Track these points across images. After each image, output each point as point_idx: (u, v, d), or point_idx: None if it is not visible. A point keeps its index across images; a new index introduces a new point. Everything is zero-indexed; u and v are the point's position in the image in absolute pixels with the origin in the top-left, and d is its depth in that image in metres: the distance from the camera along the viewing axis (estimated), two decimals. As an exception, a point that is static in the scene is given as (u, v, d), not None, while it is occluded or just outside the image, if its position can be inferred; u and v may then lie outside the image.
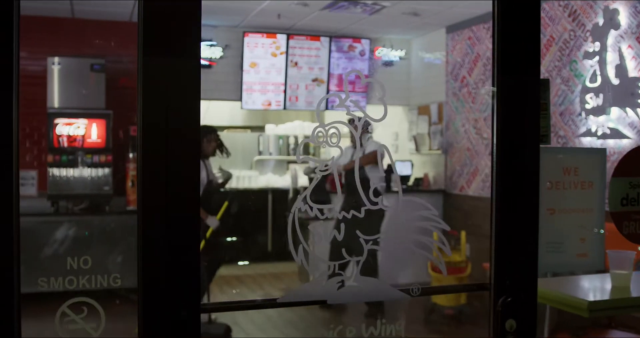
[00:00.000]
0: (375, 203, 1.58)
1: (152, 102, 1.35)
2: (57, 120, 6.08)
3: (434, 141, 7.56)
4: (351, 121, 1.57)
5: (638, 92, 4.91)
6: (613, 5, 5.10)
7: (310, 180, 6.61)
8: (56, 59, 6.20)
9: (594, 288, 2.17)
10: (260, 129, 8.84)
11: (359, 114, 1.53)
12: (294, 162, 8.49)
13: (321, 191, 1.63)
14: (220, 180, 5.32)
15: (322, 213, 1.52)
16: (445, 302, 5.38)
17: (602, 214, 1.87)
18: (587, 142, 5.37)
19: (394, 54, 7.91)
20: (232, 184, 6.59)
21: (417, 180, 7.65)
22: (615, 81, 5.08)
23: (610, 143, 5.12)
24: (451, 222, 7.02)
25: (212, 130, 5.14)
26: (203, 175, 4.92)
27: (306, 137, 8.81)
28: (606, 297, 2.08)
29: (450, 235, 5.52)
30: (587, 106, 5.34)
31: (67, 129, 6.12)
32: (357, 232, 1.56)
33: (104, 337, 1.40)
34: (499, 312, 1.64)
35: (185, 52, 1.38)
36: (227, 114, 8.49)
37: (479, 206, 6.75)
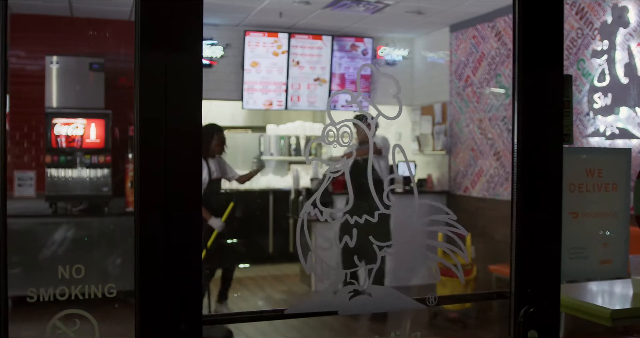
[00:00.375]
0: (389, 207, 1.48)
1: (150, 97, 1.26)
2: (55, 120, 6.00)
3: (438, 141, 7.46)
4: (361, 118, 1.47)
5: (648, 91, 4.82)
6: (622, 3, 5.01)
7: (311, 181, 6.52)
8: (54, 58, 6.12)
9: (615, 295, 2.07)
10: (261, 129, 8.75)
11: (373, 112, 1.43)
12: (296, 162, 8.39)
13: (324, 192, 1.53)
14: (254, 170, 5.47)
15: (333, 218, 1.42)
16: (450, 305, 5.28)
17: (626, 218, 1.77)
18: (595, 142, 5.27)
19: (397, 53, 7.81)
20: (233, 185, 6.51)
21: (420, 181, 7.55)
22: (624, 80, 4.98)
23: (619, 143, 5.02)
24: (455, 223, 6.91)
25: (220, 129, 5.07)
26: (204, 174, 4.83)
27: (313, 137, 8.74)
28: (628, 304, 1.97)
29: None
30: (595, 106, 5.24)
31: (66, 129, 6.04)
32: (371, 237, 1.46)
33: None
34: (521, 322, 1.54)
35: (185, 46, 1.28)
36: (227, 114, 8.40)
37: (483, 207, 6.65)
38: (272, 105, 7.58)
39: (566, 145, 1.65)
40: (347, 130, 1.41)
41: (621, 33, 5.02)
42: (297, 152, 8.50)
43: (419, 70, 7.88)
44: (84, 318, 1.30)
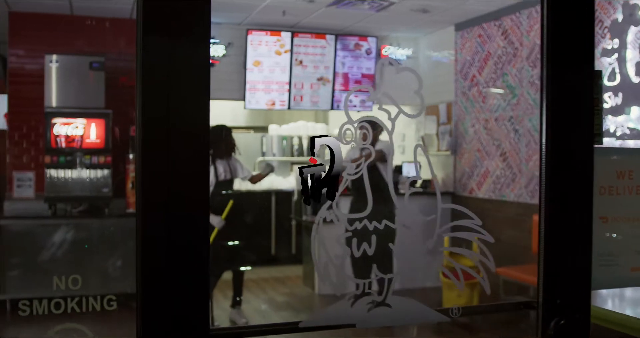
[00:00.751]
0: (406, 211, 1.38)
1: (152, 93, 1.16)
2: (54, 120, 5.92)
3: (443, 142, 7.36)
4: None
5: (660, 90, 4.72)
6: (633, 1, 4.91)
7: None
8: (54, 57, 6.03)
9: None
10: (264, 129, 8.66)
11: (394, 109, 1.33)
12: (298, 163, 8.30)
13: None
14: (263, 172, 5.39)
15: (352, 225, 1.32)
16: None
17: (658, 223, 1.67)
18: (605, 143, 5.17)
19: (401, 53, 7.71)
20: (235, 186, 6.44)
21: (425, 182, 7.45)
22: (635, 79, 4.89)
23: (630, 144, 4.92)
24: (461, 225, 6.82)
25: (229, 131, 5.03)
26: (210, 176, 4.76)
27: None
28: (656, 314, 1.88)
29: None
30: (606, 105, 5.14)
31: (65, 128, 5.95)
32: (390, 245, 1.36)
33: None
34: (551, 335, 1.43)
35: (192, 32, 1.18)
36: (229, 114, 8.30)
37: (489, 209, 6.55)
38: (275, 105, 7.48)
39: (596, 146, 1.55)
40: (366, 130, 1.31)
41: (632, 31, 4.92)
42: (300, 152, 8.40)
43: (423, 69, 7.78)
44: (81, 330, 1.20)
